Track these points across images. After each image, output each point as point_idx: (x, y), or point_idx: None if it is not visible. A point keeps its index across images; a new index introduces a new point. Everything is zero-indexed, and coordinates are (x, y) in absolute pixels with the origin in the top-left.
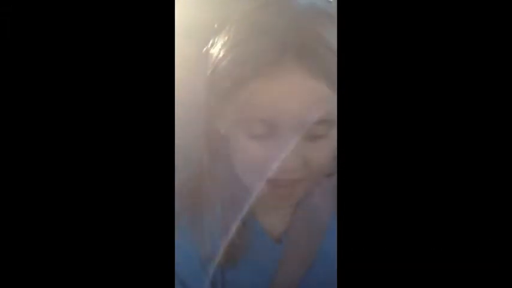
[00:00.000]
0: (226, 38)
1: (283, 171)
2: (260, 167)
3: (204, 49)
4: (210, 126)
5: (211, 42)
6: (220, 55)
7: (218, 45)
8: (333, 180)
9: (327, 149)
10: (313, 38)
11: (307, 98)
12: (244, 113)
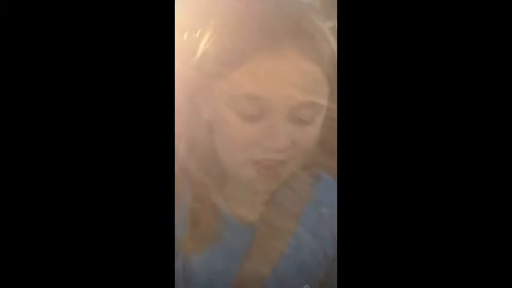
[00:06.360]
0: (215, 26)
1: (270, 151)
2: (247, 147)
3: (198, 33)
4: (192, 112)
5: (199, 31)
6: (209, 41)
7: (207, 33)
8: (310, 174)
9: (313, 132)
10: (306, 23)
11: (299, 80)
12: (235, 92)
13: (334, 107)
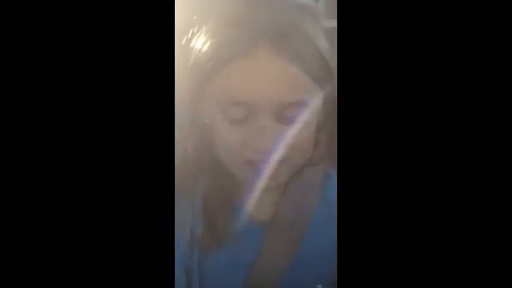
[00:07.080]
0: (205, 28)
1: (263, 153)
2: (241, 150)
3: (184, 39)
4: (193, 114)
5: (190, 32)
6: (200, 44)
7: (198, 35)
8: (319, 171)
9: (304, 132)
10: (289, 26)
11: (283, 82)
12: (222, 97)
13: (335, 105)
